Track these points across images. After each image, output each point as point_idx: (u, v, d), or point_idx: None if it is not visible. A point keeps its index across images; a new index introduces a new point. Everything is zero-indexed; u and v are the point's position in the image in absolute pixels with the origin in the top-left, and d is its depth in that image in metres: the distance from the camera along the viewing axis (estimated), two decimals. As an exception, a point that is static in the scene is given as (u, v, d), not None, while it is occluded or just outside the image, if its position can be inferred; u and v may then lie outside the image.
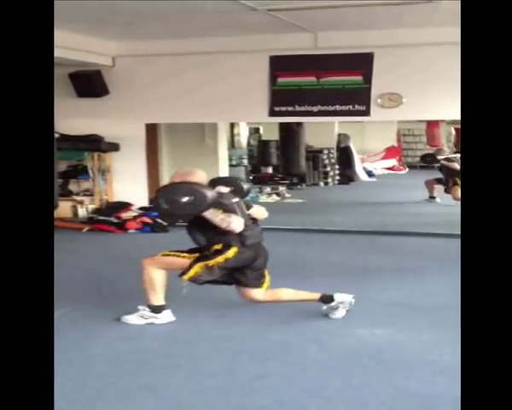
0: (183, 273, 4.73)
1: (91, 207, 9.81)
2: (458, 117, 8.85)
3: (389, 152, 22.12)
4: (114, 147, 9.69)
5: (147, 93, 9.43)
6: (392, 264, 7.12)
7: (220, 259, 4.68)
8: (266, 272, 4.95)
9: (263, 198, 13.46)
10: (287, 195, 14.18)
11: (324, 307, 4.91)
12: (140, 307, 4.98)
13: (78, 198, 9.88)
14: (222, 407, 3.57)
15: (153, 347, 4.48)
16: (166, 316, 4.96)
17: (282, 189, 14.43)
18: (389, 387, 3.75)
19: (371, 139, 21.88)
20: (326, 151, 17.23)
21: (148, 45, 9.10)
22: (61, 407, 3.37)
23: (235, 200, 4.81)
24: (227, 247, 4.69)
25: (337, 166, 17.86)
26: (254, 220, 5.02)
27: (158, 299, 4.93)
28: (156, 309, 4.93)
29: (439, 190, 12.87)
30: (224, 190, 4.93)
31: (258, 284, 4.91)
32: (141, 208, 9.70)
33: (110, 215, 9.41)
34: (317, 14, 7.31)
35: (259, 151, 16.52)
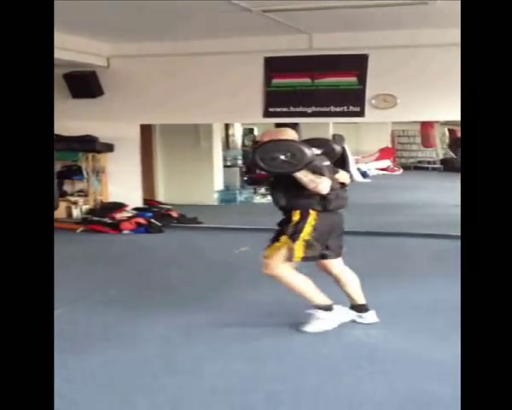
0: (290, 258, 4.58)
1: (85, 207, 9.80)
2: (452, 118, 8.91)
3: (383, 153, 22.16)
4: (109, 148, 9.69)
5: (141, 94, 9.44)
6: (387, 264, 7.13)
7: (308, 229, 4.54)
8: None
9: (257, 199, 13.46)
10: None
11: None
12: (310, 311, 4.77)
13: (73, 199, 9.88)
14: (217, 408, 3.58)
15: (147, 350, 4.48)
16: (347, 314, 4.80)
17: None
18: (384, 387, 3.76)
19: (366, 140, 21.93)
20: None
21: (142, 46, 9.10)
22: (57, 407, 3.36)
23: (327, 163, 4.70)
24: (305, 215, 4.55)
25: (331, 167, 17.85)
26: (342, 185, 4.91)
27: (317, 298, 4.74)
28: (327, 308, 4.73)
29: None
30: (317, 151, 4.77)
31: (340, 253, 4.85)
32: (135, 209, 9.70)
33: (104, 216, 9.41)
34: (311, 16, 7.32)
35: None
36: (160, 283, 6.35)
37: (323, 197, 4.55)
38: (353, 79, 8.67)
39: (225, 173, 13.12)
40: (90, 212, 9.66)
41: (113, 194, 9.85)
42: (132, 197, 9.79)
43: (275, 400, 3.62)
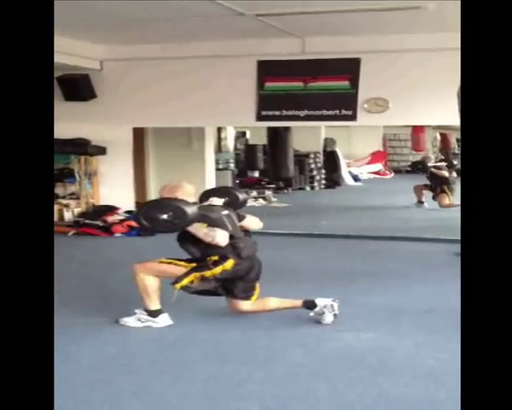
0: (176, 282, 4.70)
1: (77, 210, 9.78)
2: (444, 122, 8.97)
3: (375, 157, 22.22)
4: (101, 150, 9.67)
5: (134, 97, 9.44)
6: (378, 268, 7.15)
7: (218, 270, 4.65)
8: (257, 285, 4.95)
9: (249, 202, 13.46)
10: (273, 199, 14.21)
11: (311, 313, 4.91)
12: (137, 311, 4.96)
13: (65, 202, 9.85)
14: (208, 412, 3.58)
15: (139, 352, 4.48)
16: (163, 320, 4.94)
17: (268, 193, 14.46)
18: (374, 391, 3.77)
19: (357, 144, 21.96)
20: (312, 155, 17.29)
21: (136, 49, 9.10)
22: None
23: (225, 212, 4.78)
24: (224, 258, 4.67)
25: (323, 171, 17.91)
26: (247, 232, 5.00)
27: (153, 304, 4.90)
28: (153, 313, 4.91)
29: (426, 195, 12.96)
30: (218, 201, 4.92)
31: (248, 297, 4.90)
32: (127, 212, 9.69)
33: (96, 219, 9.40)
34: (304, 20, 7.35)
35: (246, 155, 16.55)
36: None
37: (233, 246, 4.66)
38: (346, 83, 8.70)
39: (217, 176, 13.11)
40: (82, 215, 9.65)
41: (106, 197, 9.83)
42: (124, 200, 9.79)
43: (265, 405, 3.62)
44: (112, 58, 9.36)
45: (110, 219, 9.40)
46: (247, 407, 3.60)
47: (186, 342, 4.64)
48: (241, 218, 4.99)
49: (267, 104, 9.00)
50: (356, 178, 19.39)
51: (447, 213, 11.43)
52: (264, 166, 15.67)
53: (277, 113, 9.02)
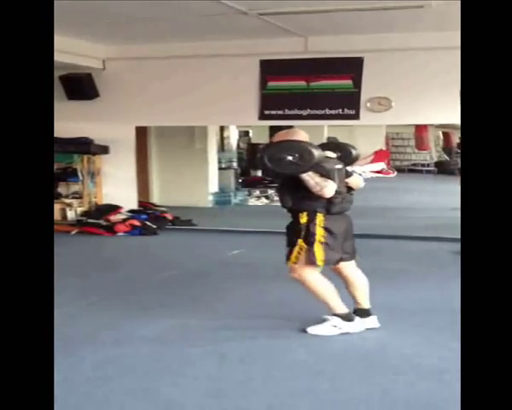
0: (313, 263, 4.58)
1: (80, 209, 9.79)
2: (447, 121, 8.96)
3: (378, 156, 22.21)
4: (104, 150, 9.68)
5: (137, 96, 9.45)
6: (380, 267, 7.13)
7: (320, 231, 4.55)
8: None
9: (252, 201, 13.48)
10: (276, 198, 14.19)
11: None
12: (328, 317, 4.74)
13: (67, 201, 9.86)
14: (211, 411, 3.59)
15: (141, 350, 4.48)
16: (359, 324, 4.74)
17: (271, 192, 14.45)
18: (377, 390, 3.77)
19: (360, 143, 21.89)
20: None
21: (138, 48, 9.11)
22: None
23: (338, 166, 4.69)
24: (312, 217, 4.55)
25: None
26: (349, 189, 4.92)
27: (338, 307, 4.71)
28: (345, 317, 4.70)
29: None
30: (332, 154, 4.81)
31: (354, 255, 4.91)
32: (130, 211, 9.71)
33: (99, 218, 9.41)
34: (307, 19, 7.35)
35: (249, 154, 16.54)
36: (155, 284, 6.36)
37: (328, 200, 4.54)
38: (348, 82, 8.69)
39: (220, 176, 13.13)
40: (85, 214, 9.66)
41: (108, 196, 9.84)
42: (127, 199, 9.79)
43: (267, 403, 3.63)
44: (114, 57, 9.37)
45: (113, 218, 9.42)
46: (249, 405, 3.61)
47: (188, 341, 4.65)
48: (348, 175, 4.92)
49: (270, 103, 9.00)
50: (359, 178, 19.37)
51: (449, 211, 11.42)
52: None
53: (280, 112, 9.02)
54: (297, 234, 4.59)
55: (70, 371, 4.03)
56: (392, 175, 21.86)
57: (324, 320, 4.74)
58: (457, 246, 6.75)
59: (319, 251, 4.55)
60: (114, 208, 9.60)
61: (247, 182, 15.10)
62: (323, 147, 5.01)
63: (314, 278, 4.67)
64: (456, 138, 23.95)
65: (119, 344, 4.59)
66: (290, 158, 4.35)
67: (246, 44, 8.66)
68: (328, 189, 4.45)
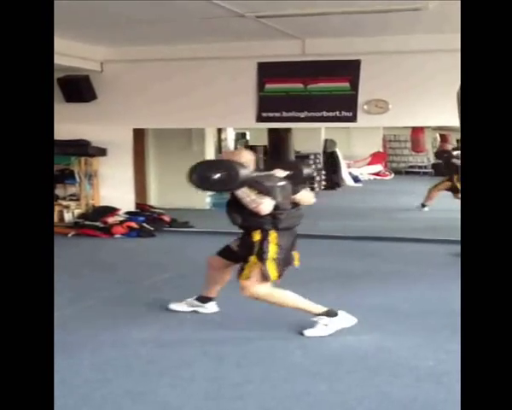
0: (266, 279, 4.68)
1: (78, 211, 9.79)
2: (443, 123, 8.97)
3: (375, 158, 22.25)
4: (101, 152, 9.68)
5: (135, 98, 9.45)
6: (377, 269, 7.17)
7: (273, 248, 4.67)
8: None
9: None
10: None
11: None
12: (315, 319, 4.79)
13: (65, 203, 9.85)
14: (208, 413, 3.59)
15: (139, 352, 4.48)
16: (350, 320, 4.84)
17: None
18: (374, 392, 3.78)
19: (357, 145, 21.98)
20: (312, 157, 17.29)
21: (136, 51, 9.12)
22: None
23: (281, 183, 4.76)
24: (265, 234, 4.66)
25: (323, 172, 17.92)
26: (296, 205, 4.98)
27: (314, 307, 4.80)
28: (330, 314, 4.79)
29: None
30: (281, 172, 4.90)
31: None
32: (127, 213, 9.71)
33: (96, 220, 9.41)
34: (304, 21, 7.36)
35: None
36: (152, 286, 6.36)
37: (274, 217, 4.66)
38: (346, 85, 8.71)
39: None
40: (82, 216, 9.65)
41: (106, 198, 9.84)
42: (124, 201, 9.80)
43: (264, 405, 3.64)
44: (112, 59, 9.38)
45: (110, 220, 9.41)
46: (246, 407, 3.61)
47: (185, 343, 4.65)
48: (295, 191, 5.00)
49: (267, 106, 9.02)
50: (356, 179, 19.41)
51: (447, 213, 11.45)
52: (265, 167, 15.66)
53: (277, 114, 9.03)
54: (250, 251, 4.71)
55: (68, 373, 4.04)
56: (388, 177, 21.89)
57: (315, 322, 4.78)
58: (455, 248, 6.79)
59: (272, 267, 4.68)
60: (111, 210, 9.60)
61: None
62: (275, 165, 5.21)
63: (270, 291, 4.76)
64: (453, 140, 23.97)
65: (117, 346, 4.59)
66: (217, 176, 4.47)
67: (243, 47, 8.67)
68: (264, 206, 4.55)
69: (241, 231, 4.88)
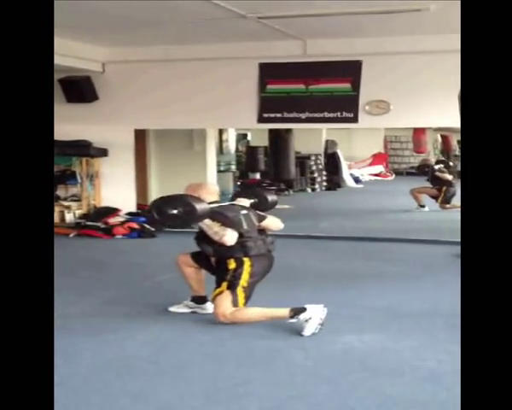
0: (236, 304, 4.80)
1: (79, 212, 9.79)
2: (445, 124, 8.98)
3: (376, 158, 22.25)
4: (103, 152, 9.69)
5: (136, 99, 9.46)
6: (378, 270, 7.16)
7: (245, 276, 4.81)
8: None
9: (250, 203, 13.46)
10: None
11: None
12: (292, 321, 4.77)
13: (66, 203, 9.86)
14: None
15: (139, 353, 4.48)
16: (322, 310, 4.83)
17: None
18: (375, 393, 3.77)
19: (358, 146, 22.00)
20: (314, 157, 17.30)
21: (137, 52, 9.13)
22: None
23: (244, 212, 4.91)
24: (239, 262, 4.81)
25: (324, 173, 17.92)
26: (262, 231, 5.09)
27: (283, 312, 4.80)
28: (296, 312, 4.75)
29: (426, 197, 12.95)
30: (245, 201, 5.09)
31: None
32: (129, 214, 9.71)
33: (97, 221, 9.41)
34: (306, 22, 7.36)
35: (248, 157, 16.55)
36: (153, 287, 6.36)
37: (242, 245, 4.77)
38: (347, 86, 8.71)
39: (219, 178, 13.12)
40: (84, 216, 9.66)
41: (107, 199, 9.85)
42: (126, 202, 9.80)
43: (264, 407, 3.63)
44: (114, 60, 9.39)
45: (111, 220, 9.42)
46: (246, 407, 3.61)
47: (185, 344, 4.65)
48: (261, 218, 5.12)
49: (269, 106, 9.02)
50: (357, 180, 19.42)
51: (447, 214, 11.46)
52: (266, 167, 15.68)
53: (279, 115, 9.03)
54: (223, 277, 4.84)
55: (68, 375, 4.03)
56: (389, 178, 21.89)
57: (297, 324, 4.77)
58: (455, 248, 6.79)
59: (241, 295, 4.80)
60: (113, 211, 9.60)
61: (245, 185, 15.11)
62: (239, 194, 5.44)
63: (240, 313, 4.83)
64: (454, 142, 23.99)
65: (117, 347, 4.59)
66: (175, 212, 4.58)
67: (245, 48, 8.68)
68: (228, 237, 4.68)
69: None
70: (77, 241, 9.09)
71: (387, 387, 3.86)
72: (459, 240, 2.42)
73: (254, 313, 4.86)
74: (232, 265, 4.82)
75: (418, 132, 20.79)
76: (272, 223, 5.28)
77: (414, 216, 12.07)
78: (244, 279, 4.81)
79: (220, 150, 14.21)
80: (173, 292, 6.03)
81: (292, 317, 4.77)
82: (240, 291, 4.80)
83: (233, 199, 5.27)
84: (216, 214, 4.71)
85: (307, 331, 4.72)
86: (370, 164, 21.93)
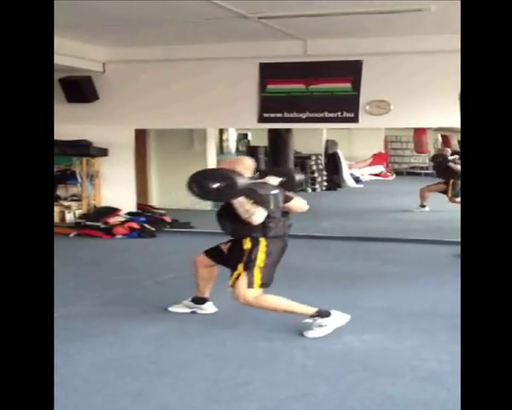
0: (251, 285, 4.71)
1: (79, 212, 9.79)
2: (445, 124, 8.97)
3: (376, 158, 22.24)
4: (103, 152, 9.69)
5: (136, 99, 9.46)
6: (379, 270, 7.16)
7: (261, 256, 4.70)
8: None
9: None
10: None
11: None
12: (309, 321, 4.79)
13: (66, 203, 9.86)
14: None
15: (140, 353, 4.48)
16: (344, 318, 4.86)
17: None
18: (375, 393, 3.78)
19: (359, 146, 21.99)
20: (314, 157, 17.29)
21: (138, 52, 9.13)
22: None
23: (274, 192, 4.76)
24: (255, 243, 4.71)
25: (325, 173, 17.91)
26: (286, 213, 5.00)
27: (307, 309, 4.78)
28: (321, 314, 4.76)
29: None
30: (274, 180, 4.93)
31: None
32: (129, 214, 9.71)
33: (98, 220, 9.41)
34: (306, 22, 7.36)
35: (248, 157, 16.52)
36: (153, 287, 6.36)
37: (263, 225, 4.68)
38: (347, 85, 8.71)
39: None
40: (84, 216, 9.66)
41: (107, 198, 9.84)
42: (126, 202, 9.80)
43: (265, 406, 3.63)
44: (114, 60, 9.39)
45: (111, 220, 9.42)
46: (246, 407, 3.61)
47: (186, 344, 4.65)
48: (287, 199, 5.00)
49: (269, 106, 9.02)
50: (357, 180, 19.41)
51: (447, 214, 11.46)
52: (266, 167, 15.68)
53: (279, 115, 9.03)
54: (239, 258, 4.75)
55: (69, 374, 4.03)
56: (390, 178, 21.88)
57: (309, 324, 4.77)
58: (456, 248, 6.78)
59: (257, 275, 4.71)
60: (113, 211, 9.60)
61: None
62: (268, 172, 5.25)
63: (262, 297, 4.77)
64: (454, 142, 23.97)
65: (118, 347, 4.59)
66: (215, 185, 4.49)
67: (245, 47, 8.67)
68: (257, 216, 4.59)
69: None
70: (77, 241, 9.09)
71: (387, 387, 3.86)
72: (459, 240, 2.41)
73: (280, 303, 4.78)
74: (247, 245, 4.72)
75: (419, 132, 20.76)
76: (297, 204, 5.18)
77: (414, 216, 12.07)
78: (260, 259, 4.70)
79: (220, 150, 14.20)
80: (173, 292, 6.03)
81: (312, 317, 4.74)
82: (256, 272, 4.69)
83: (261, 177, 5.06)
84: (250, 191, 4.59)
85: (312, 334, 4.72)
86: (371, 164, 21.92)
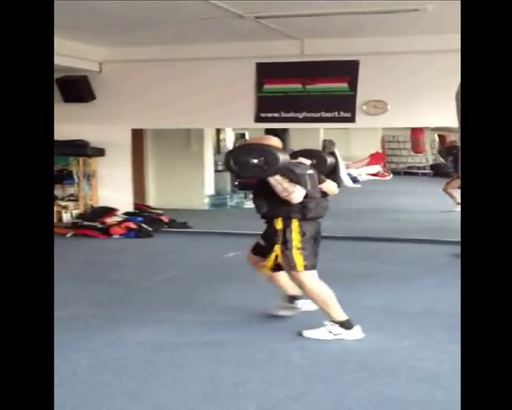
0: (294, 268, 4.63)
1: (76, 212, 9.79)
2: (442, 124, 8.99)
3: (374, 158, 22.27)
4: (100, 152, 9.68)
5: (133, 99, 9.45)
6: (377, 270, 7.16)
7: (296, 236, 4.60)
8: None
9: (248, 203, 13.45)
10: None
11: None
12: (326, 323, 4.70)
13: (63, 203, 9.85)
14: (206, 414, 3.58)
15: (137, 353, 4.47)
16: (357, 332, 4.70)
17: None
18: (372, 393, 3.77)
19: (356, 146, 22.01)
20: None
21: (134, 51, 9.12)
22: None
23: (310, 171, 4.68)
24: (287, 223, 4.60)
25: (322, 172, 17.89)
26: (324, 194, 4.94)
27: (338, 313, 4.69)
28: (345, 324, 4.66)
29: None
30: (305, 161, 4.85)
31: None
32: (126, 214, 9.70)
33: (94, 220, 9.40)
34: (303, 22, 7.37)
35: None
36: (150, 287, 6.36)
37: (303, 205, 4.57)
38: (344, 85, 8.71)
39: (216, 178, 13.12)
40: (81, 216, 9.65)
41: (104, 198, 9.84)
42: (123, 202, 9.80)
43: (262, 406, 3.63)
44: (111, 60, 9.38)
45: (108, 220, 9.41)
46: (244, 407, 3.61)
47: (183, 344, 4.64)
48: (321, 181, 4.94)
49: (266, 106, 9.02)
50: (354, 180, 19.42)
51: (447, 214, 11.47)
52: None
53: (276, 114, 9.04)
54: (274, 240, 4.65)
55: (66, 375, 4.03)
56: (387, 178, 21.90)
57: (323, 325, 4.72)
58: (454, 248, 6.79)
59: (298, 257, 4.61)
60: (110, 211, 9.60)
61: (243, 184, 15.07)
62: (298, 154, 5.14)
63: (316, 283, 4.70)
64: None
65: (115, 347, 4.58)
66: (255, 161, 4.37)
67: (242, 47, 8.68)
68: (296, 194, 4.47)
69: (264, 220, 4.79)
70: (74, 241, 9.08)
71: (385, 387, 3.85)
72: (459, 240, 2.41)
73: (325, 295, 4.69)
74: (279, 225, 4.60)
75: (416, 132, 20.80)
76: (330, 187, 5.11)
77: (413, 216, 12.07)
78: (296, 239, 4.60)
79: (218, 150, 14.20)
80: (171, 292, 6.04)
81: (334, 322, 4.66)
82: (296, 253, 4.59)
83: (293, 158, 4.91)
84: (287, 170, 4.48)
85: (312, 334, 4.69)
86: (368, 164, 21.94)
